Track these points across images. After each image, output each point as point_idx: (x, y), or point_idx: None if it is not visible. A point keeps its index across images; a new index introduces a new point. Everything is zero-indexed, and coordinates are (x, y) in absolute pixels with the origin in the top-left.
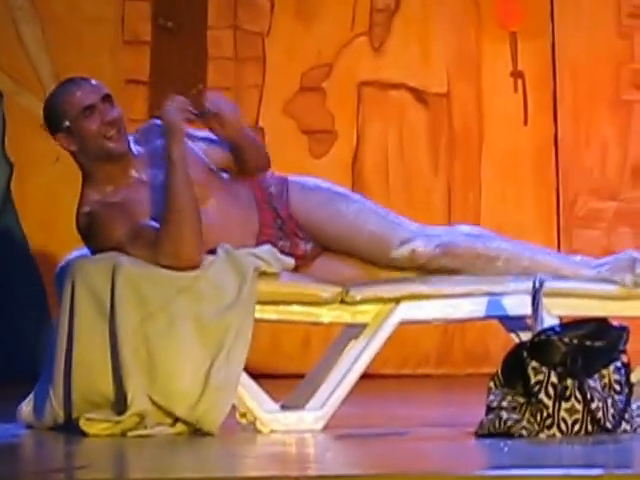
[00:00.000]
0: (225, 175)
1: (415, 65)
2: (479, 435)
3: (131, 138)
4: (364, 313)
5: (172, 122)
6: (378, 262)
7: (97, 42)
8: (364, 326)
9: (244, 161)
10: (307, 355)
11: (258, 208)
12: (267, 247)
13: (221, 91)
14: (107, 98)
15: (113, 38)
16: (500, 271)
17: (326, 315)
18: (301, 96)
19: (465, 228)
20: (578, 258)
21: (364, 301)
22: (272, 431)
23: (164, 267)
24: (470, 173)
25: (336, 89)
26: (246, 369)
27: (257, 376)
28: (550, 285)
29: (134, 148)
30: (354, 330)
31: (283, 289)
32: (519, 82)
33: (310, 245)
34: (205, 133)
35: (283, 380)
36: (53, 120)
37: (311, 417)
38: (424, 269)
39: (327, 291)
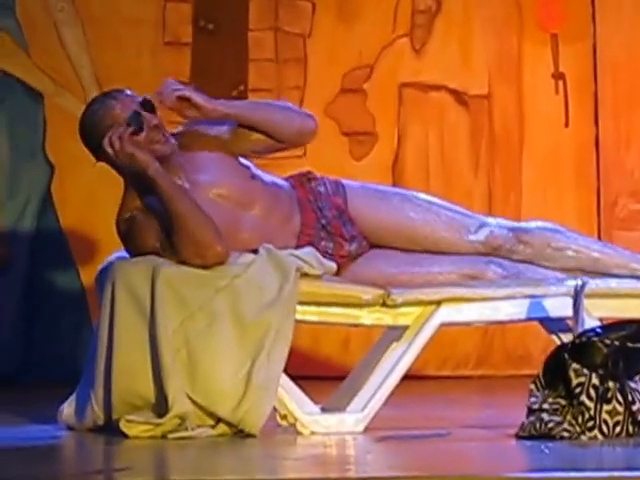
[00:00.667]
0: (267, 177)
1: (456, 67)
2: (520, 437)
3: None
4: (405, 315)
5: (132, 156)
6: (453, 248)
7: (137, 43)
8: (405, 328)
9: (273, 135)
10: (347, 357)
11: (300, 209)
12: (309, 249)
13: (262, 93)
14: (146, 104)
15: (153, 40)
16: (570, 262)
17: (367, 317)
18: (342, 97)
19: (538, 222)
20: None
21: (405, 304)
22: (313, 433)
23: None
24: (511, 175)
25: (377, 90)
26: (286, 371)
27: (297, 378)
28: (591, 287)
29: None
30: (395, 332)
31: (324, 290)
32: (560, 84)
33: (355, 245)
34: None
35: (323, 382)
36: (97, 139)
37: (352, 419)
38: (498, 253)
39: (368, 293)
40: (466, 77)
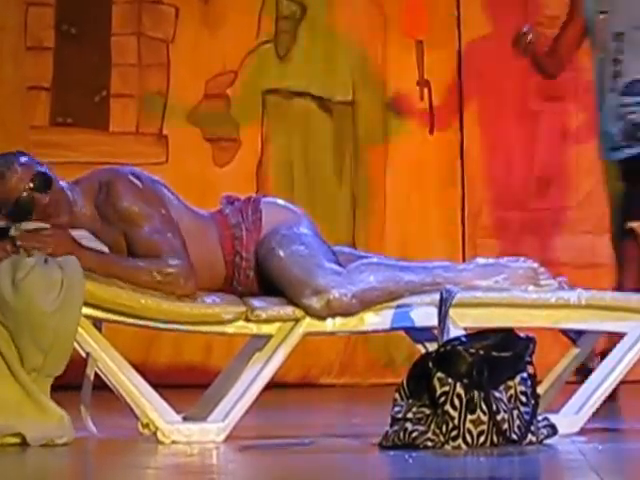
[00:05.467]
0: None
1: (320, 73)
2: (384, 446)
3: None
4: (269, 324)
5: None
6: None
7: None
8: (269, 337)
9: None
10: (209, 364)
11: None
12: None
13: (125, 98)
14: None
15: (15, 44)
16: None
17: (230, 326)
18: (205, 103)
19: (374, 259)
20: (462, 266)
21: (269, 320)
22: (174, 442)
23: None
24: (375, 182)
25: (241, 97)
26: (148, 379)
27: (159, 386)
28: (457, 296)
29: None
30: (259, 341)
31: (185, 310)
32: (425, 91)
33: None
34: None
35: (185, 390)
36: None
37: (214, 428)
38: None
39: (229, 313)
40: (330, 84)
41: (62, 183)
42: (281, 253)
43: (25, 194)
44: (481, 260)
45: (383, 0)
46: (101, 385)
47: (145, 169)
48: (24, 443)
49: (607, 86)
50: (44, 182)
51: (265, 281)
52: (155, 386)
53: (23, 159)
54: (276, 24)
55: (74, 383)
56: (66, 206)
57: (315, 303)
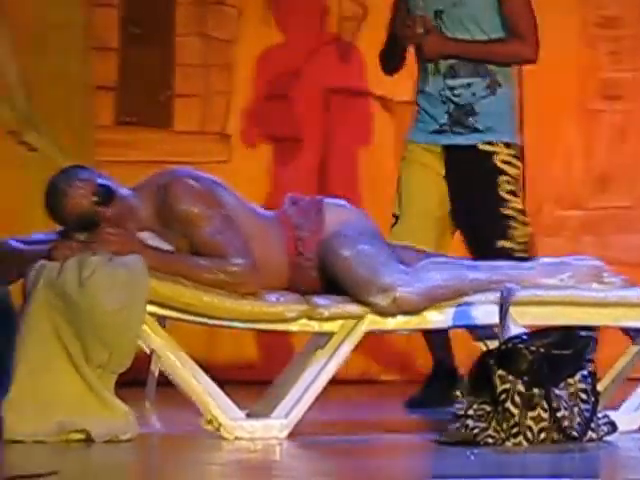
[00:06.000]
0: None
1: (382, 73)
2: (445, 443)
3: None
4: (332, 322)
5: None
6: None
7: (64, 48)
8: (331, 335)
9: None
10: (271, 362)
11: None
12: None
13: (189, 98)
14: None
15: (81, 44)
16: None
17: (293, 325)
18: (268, 103)
19: (440, 259)
20: (528, 265)
21: (332, 318)
22: (237, 438)
23: None
24: None
25: (303, 96)
26: (211, 376)
27: (222, 382)
28: (517, 294)
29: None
30: (321, 339)
31: (246, 308)
32: None
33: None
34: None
35: (248, 387)
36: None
37: (277, 425)
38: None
39: (292, 311)
40: (392, 83)
41: (123, 191)
42: (346, 253)
43: (89, 209)
44: (546, 259)
45: None
46: (165, 381)
47: (208, 168)
48: (89, 439)
49: (431, 68)
50: (106, 195)
51: (327, 280)
52: (217, 382)
53: (83, 174)
54: (339, 24)
55: (138, 379)
56: (130, 214)
57: (382, 301)
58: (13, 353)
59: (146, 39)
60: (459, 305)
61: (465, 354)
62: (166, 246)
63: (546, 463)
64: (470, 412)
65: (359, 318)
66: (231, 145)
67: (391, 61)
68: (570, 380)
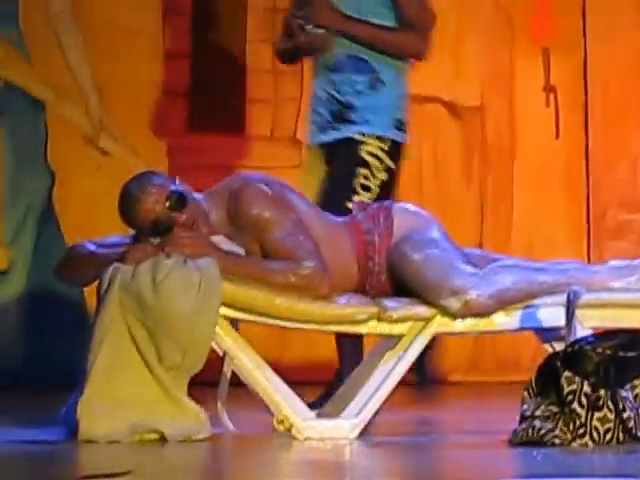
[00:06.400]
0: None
1: (449, 79)
2: (513, 443)
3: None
4: (401, 324)
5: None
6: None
7: (137, 54)
8: (400, 336)
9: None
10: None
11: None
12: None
13: (260, 103)
14: (174, 201)
15: (152, 49)
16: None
17: (363, 327)
18: None
19: (508, 261)
20: (596, 267)
21: (400, 320)
22: (308, 438)
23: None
24: (502, 185)
25: None
26: (282, 376)
27: (292, 383)
28: (583, 297)
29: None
30: (390, 340)
31: (317, 311)
32: (551, 96)
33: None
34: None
35: (318, 387)
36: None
37: (347, 425)
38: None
39: (363, 313)
40: (459, 89)
41: (196, 196)
42: (416, 257)
43: (163, 215)
44: (614, 262)
45: (510, 7)
46: (237, 382)
47: (279, 172)
48: (162, 439)
49: (317, 63)
50: (179, 200)
51: (397, 284)
52: (288, 382)
53: (157, 180)
54: None
55: (210, 380)
56: (203, 218)
57: (453, 304)
58: (87, 355)
59: (217, 45)
60: (526, 307)
61: (529, 354)
62: (238, 250)
63: (612, 463)
64: (537, 413)
65: (428, 320)
66: (302, 150)
67: (292, 57)
68: (636, 382)
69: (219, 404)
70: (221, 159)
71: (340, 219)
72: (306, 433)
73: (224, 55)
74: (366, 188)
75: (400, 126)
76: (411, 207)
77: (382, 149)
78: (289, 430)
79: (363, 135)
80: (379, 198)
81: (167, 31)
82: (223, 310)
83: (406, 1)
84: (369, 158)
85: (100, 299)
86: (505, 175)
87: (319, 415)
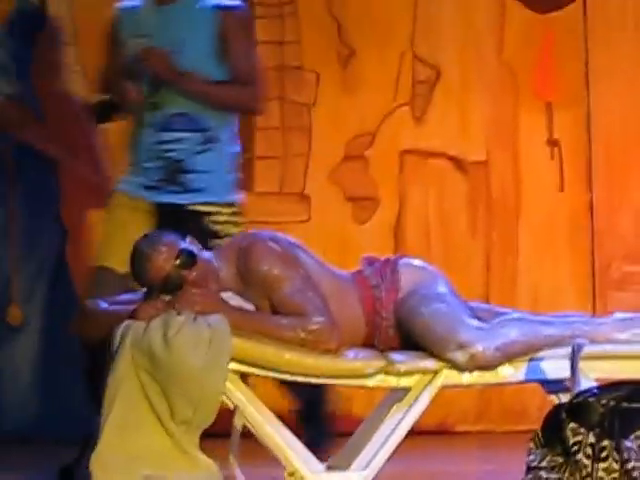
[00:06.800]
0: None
1: (455, 134)
2: None
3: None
4: (408, 377)
5: None
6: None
7: None
8: (407, 389)
9: None
10: (351, 413)
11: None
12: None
13: (269, 160)
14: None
15: None
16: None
17: (370, 380)
18: (345, 164)
19: (514, 315)
20: (601, 320)
21: (408, 373)
22: None
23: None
24: (508, 238)
25: (379, 157)
26: (291, 427)
27: (301, 436)
28: (587, 349)
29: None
30: (398, 392)
31: (323, 365)
32: (555, 150)
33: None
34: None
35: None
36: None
37: (356, 477)
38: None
39: (370, 367)
40: (464, 144)
41: (206, 254)
42: (423, 311)
43: (173, 273)
44: (619, 314)
45: (514, 62)
46: (248, 433)
47: (288, 227)
48: None
49: (145, 120)
50: (189, 259)
51: (404, 338)
52: (299, 435)
53: (167, 238)
54: (412, 87)
55: (221, 431)
56: (213, 276)
57: (460, 357)
58: (100, 410)
59: None
60: (531, 360)
61: (536, 404)
62: (248, 306)
63: None
64: (543, 464)
65: (435, 373)
66: (310, 205)
67: (106, 114)
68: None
69: (231, 457)
70: None
71: (347, 274)
72: None
73: None
74: None
75: (238, 185)
76: (417, 262)
77: (229, 214)
78: None
79: (206, 205)
80: None
81: None
82: (233, 365)
83: (236, 57)
84: (218, 227)
85: (112, 355)
86: (510, 228)
87: (329, 467)
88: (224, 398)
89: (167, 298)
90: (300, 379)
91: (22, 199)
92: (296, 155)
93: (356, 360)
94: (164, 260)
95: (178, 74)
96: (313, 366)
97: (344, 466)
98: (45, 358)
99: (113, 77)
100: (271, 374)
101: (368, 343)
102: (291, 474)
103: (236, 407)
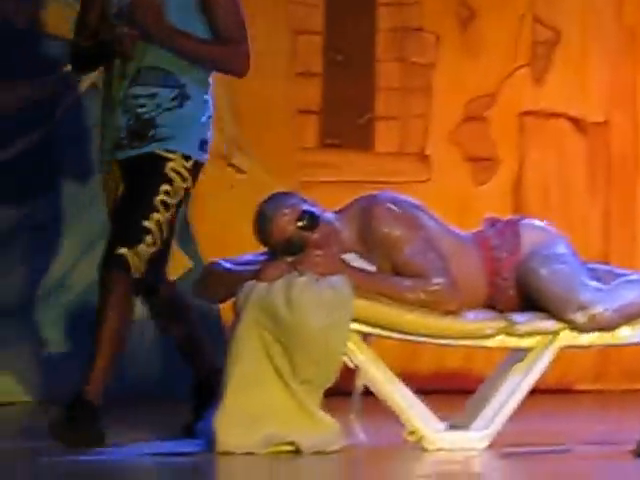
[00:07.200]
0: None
1: (574, 95)
2: (637, 454)
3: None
4: (528, 338)
5: None
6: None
7: (269, 73)
8: (527, 350)
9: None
10: (470, 372)
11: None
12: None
13: (388, 120)
14: (305, 221)
15: (286, 70)
16: None
17: (491, 340)
18: (465, 125)
19: (633, 276)
20: None
21: (528, 334)
22: (438, 450)
23: None
24: (627, 199)
25: (498, 118)
26: (413, 386)
27: (422, 393)
28: None
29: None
30: (518, 353)
31: (444, 325)
32: None
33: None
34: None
35: (447, 396)
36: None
37: (477, 436)
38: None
39: (491, 328)
40: (584, 105)
41: (328, 215)
42: (543, 272)
43: (295, 235)
44: None
45: (634, 23)
46: (369, 392)
47: (408, 187)
48: (297, 451)
49: (115, 72)
50: (311, 221)
51: (524, 299)
52: (419, 392)
53: (290, 200)
54: (532, 49)
55: (343, 389)
56: (335, 237)
57: (580, 318)
58: (223, 369)
59: (347, 64)
60: None
61: None
62: (369, 267)
63: None
64: None
65: (555, 334)
66: (430, 165)
67: (88, 63)
68: None
69: (352, 416)
70: (352, 175)
71: (469, 235)
72: (437, 444)
73: (354, 73)
74: (166, 206)
75: (203, 147)
76: (538, 223)
77: (186, 168)
78: (420, 441)
79: (168, 152)
80: (171, 218)
81: (299, 51)
82: (355, 325)
83: (222, 15)
84: (173, 175)
85: (236, 316)
86: (629, 189)
87: (450, 426)
88: (345, 358)
89: (290, 259)
90: (421, 340)
91: None
92: (416, 116)
93: (476, 321)
94: (287, 222)
95: (168, 29)
96: (434, 327)
97: (465, 426)
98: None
99: (101, 22)
100: (392, 335)
101: (488, 304)
102: (411, 433)
103: (357, 367)
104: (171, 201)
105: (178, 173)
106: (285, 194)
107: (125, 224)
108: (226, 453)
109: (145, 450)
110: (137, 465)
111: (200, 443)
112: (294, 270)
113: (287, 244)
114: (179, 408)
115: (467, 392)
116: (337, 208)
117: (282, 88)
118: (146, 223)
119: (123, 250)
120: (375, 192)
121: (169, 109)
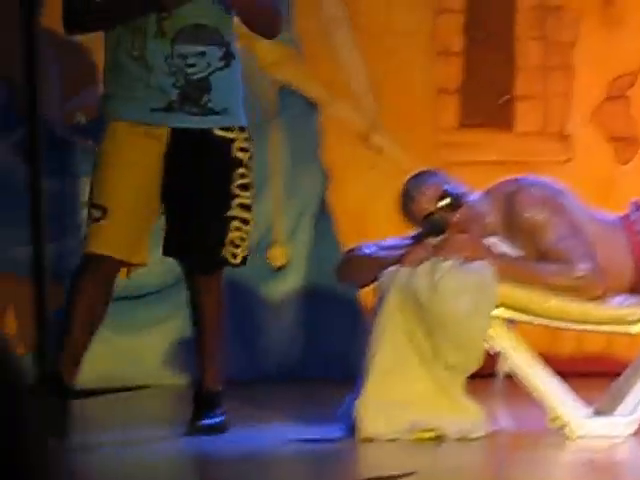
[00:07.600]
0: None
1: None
2: None
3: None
4: None
5: None
6: None
7: (409, 52)
8: None
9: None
10: (612, 355)
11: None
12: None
13: (529, 99)
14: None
15: (425, 50)
16: None
17: (634, 327)
18: (607, 104)
19: None
20: None
21: None
22: (582, 436)
23: None
24: None
25: None
26: (555, 369)
27: (563, 375)
28: None
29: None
30: None
31: (593, 311)
32: None
33: None
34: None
35: (588, 379)
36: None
37: (621, 423)
38: None
39: (636, 314)
40: None
41: (472, 197)
42: None
43: (435, 214)
44: None
45: None
46: (510, 376)
47: (548, 167)
48: (439, 438)
49: (150, 29)
50: (453, 201)
51: None
52: (561, 375)
53: (432, 180)
54: None
55: (485, 372)
56: (477, 220)
57: None
58: (364, 354)
59: (488, 43)
60: None
61: None
62: (513, 252)
63: None
64: None
65: None
66: (571, 145)
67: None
68: None
69: (495, 402)
70: (492, 155)
71: (615, 218)
72: (580, 431)
73: (494, 52)
74: (244, 187)
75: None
76: None
77: (246, 139)
78: (563, 428)
79: (229, 130)
80: (250, 195)
81: (440, 30)
82: (499, 311)
83: None
84: (241, 155)
85: (379, 301)
86: None
87: (594, 412)
88: (488, 344)
89: (434, 244)
90: (563, 325)
91: (283, 142)
92: (557, 95)
93: (622, 307)
94: (427, 201)
95: None
96: (578, 312)
97: (609, 411)
98: (308, 297)
99: None
100: (536, 320)
101: (634, 289)
102: (554, 419)
103: (500, 352)
104: (247, 180)
105: (243, 150)
106: (430, 172)
107: (209, 221)
108: (368, 440)
109: (289, 436)
110: (280, 451)
111: (341, 429)
112: (438, 254)
113: (427, 223)
114: (316, 390)
115: (608, 375)
116: (479, 190)
117: (422, 67)
118: (229, 213)
119: (219, 252)
120: (519, 176)
121: (220, 69)
